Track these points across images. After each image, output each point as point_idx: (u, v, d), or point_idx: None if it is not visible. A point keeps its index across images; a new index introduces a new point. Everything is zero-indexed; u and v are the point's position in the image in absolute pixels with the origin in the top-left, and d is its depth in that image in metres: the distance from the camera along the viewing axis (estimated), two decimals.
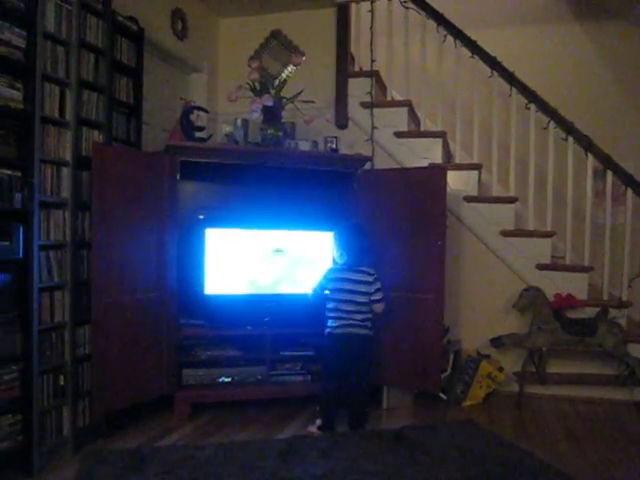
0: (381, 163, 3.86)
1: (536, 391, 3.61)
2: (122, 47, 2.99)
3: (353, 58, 4.18)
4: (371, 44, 3.98)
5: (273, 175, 3.47)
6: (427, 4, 3.90)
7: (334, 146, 3.53)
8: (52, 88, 2.50)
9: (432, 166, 3.76)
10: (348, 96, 4.09)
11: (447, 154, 4.23)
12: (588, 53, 4.50)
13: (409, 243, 3.28)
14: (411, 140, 3.96)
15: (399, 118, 4.01)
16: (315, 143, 3.53)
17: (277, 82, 3.53)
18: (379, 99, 4.09)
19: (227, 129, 3.43)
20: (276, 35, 4.17)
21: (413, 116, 4.15)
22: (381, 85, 4.21)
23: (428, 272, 3.22)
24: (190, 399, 3.15)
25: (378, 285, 2.92)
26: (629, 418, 3.27)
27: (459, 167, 3.90)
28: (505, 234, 3.77)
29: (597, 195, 3.84)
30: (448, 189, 3.29)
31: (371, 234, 3.05)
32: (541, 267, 3.70)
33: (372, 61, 4.01)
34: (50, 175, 2.50)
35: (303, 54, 3.64)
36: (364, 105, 4.03)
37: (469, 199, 3.84)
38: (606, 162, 3.64)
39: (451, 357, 3.58)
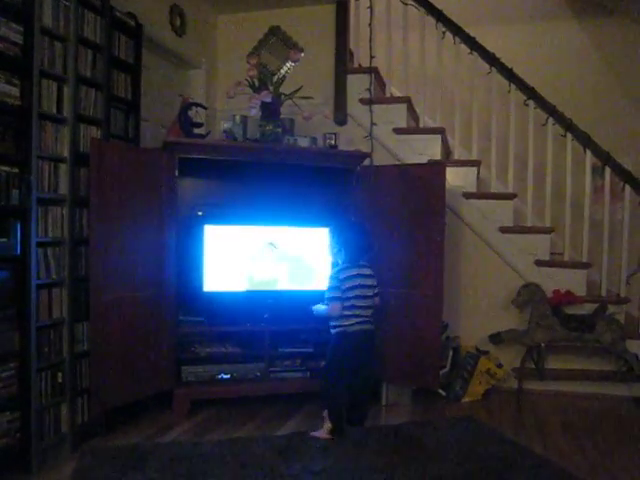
0: (380, 159, 3.84)
1: (535, 387, 3.62)
2: (120, 43, 2.97)
3: (352, 54, 4.17)
4: (370, 40, 3.96)
5: (272, 172, 3.46)
6: (426, 0, 3.89)
7: (333, 142, 3.52)
8: (50, 84, 2.49)
9: (431, 162, 3.75)
10: (347, 92, 4.08)
11: (446, 150, 4.23)
12: (586, 50, 4.49)
13: (408, 239, 3.27)
14: (410, 136, 3.95)
15: (398, 114, 4.00)
16: (314, 139, 3.52)
17: (276, 78, 3.53)
18: (378, 95, 4.08)
19: (225, 125, 3.42)
20: (275, 31, 4.15)
21: (412, 112, 4.15)
22: (380, 81, 4.20)
23: (427, 268, 3.22)
24: (189, 396, 3.14)
25: (375, 278, 2.93)
26: (627, 413, 3.28)
27: (458, 163, 3.90)
28: (504, 230, 3.77)
29: (596, 191, 3.83)
30: (447, 185, 3.28)
31: (370, 230, 3.04)
32: (540, 263, 3.70)
33: (371, 57, 3.99)
34: (48, 172, 2.49)
35: (302, 50, 3.63)
36: (363, 101, 4.03)
37: (468, 195, 3.84)
38: (605, 159, 3.64)
39: (450, 353, 3.58)
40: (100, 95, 2.79)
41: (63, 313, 2.60)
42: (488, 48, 3.82)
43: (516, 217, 3.84)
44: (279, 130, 3.35)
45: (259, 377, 3.27)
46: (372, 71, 4.03)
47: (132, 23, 3.08)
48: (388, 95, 4.06)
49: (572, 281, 3.64)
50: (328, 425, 2.78)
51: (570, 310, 3.55)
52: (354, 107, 4.06)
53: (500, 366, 3.57)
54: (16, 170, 2.32)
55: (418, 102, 4.03)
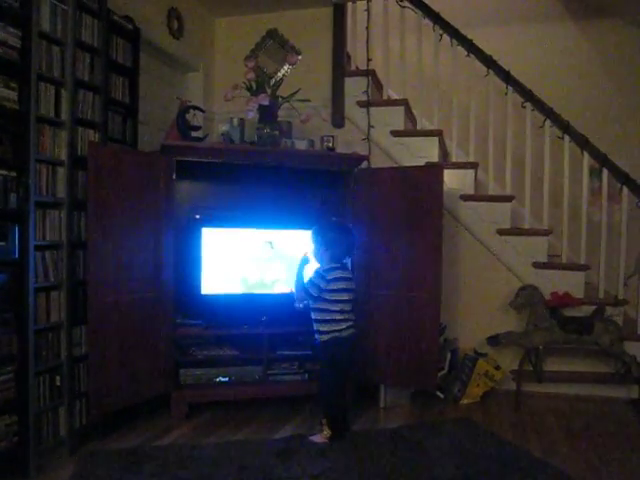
0: (378, 162, 3.86)
1: (533, 389, 3.62)
2: (118, 46, 2.97)
3: (349, 57, 4.18)
4: (367, 43, 3.98)
5: (270, 174, 3.47)
6: (423, 3, 3.90)
7: (331, 145, 3.53)
8: (47, 88, 2.49)
9: (429, 165, 3.76)
10: (344, 95, 4.09)
11: (443, 153, 4.23)
12: (583, 52, 4.51)
13: (405, 242, 3.27)
14: (407, 139, 3.96)
15: (395, 117, 4.01)
16: (311, 142, 3.52)
17: (273, 81, 3.52)
18: (375, 98, 4.09)
19: (223, 128, 3.43)
20: (272, 34, 4.14)
21: (409, 115, 4.16)
22: (377, 84, 4.21)
23: (425, 271, 3.22)
24: (187, 399, 3.14)
25: (353, 280, 2.95)
26: (625, 416, 3.28)
27: (455, 166, 3.90)
28: (501, 232, 3.78)
29: (593, 193, 3.84)
30: (445, 188, 3.29)
31: (368, 233, 3.04)
32: (538, 265, 3.70)
33: (368, 60, 4.00)
34: (46, 175, 2.49)
35: (299, 53, 3.63)
36: (360, 104, 4.03)
37: (465, 198, 3.84)
38: (602, 160, 3.64)
39: (448, 356, 3.58)
40: (98, 98, 2.79)
41: (61, 316, 2.59)
42: (485, 50, 3.83)
43: (514, 219, 3.84)
44: (277, 133, 3.35)
45: (257, 380, 3.26)
46: (369, 74, 4.04)
47: (130, 26, 3.08)
48: (385, 98, 4.06)
49: (570, 283, 3.64)
50: (327, 432, 2.78)
51: (568, 312, 3.55)
52: (351, 110, 4.07)
53: (498, 368, 3.57)
54: (14, 174, 2.32)
55: (415, 104, 4.04)
